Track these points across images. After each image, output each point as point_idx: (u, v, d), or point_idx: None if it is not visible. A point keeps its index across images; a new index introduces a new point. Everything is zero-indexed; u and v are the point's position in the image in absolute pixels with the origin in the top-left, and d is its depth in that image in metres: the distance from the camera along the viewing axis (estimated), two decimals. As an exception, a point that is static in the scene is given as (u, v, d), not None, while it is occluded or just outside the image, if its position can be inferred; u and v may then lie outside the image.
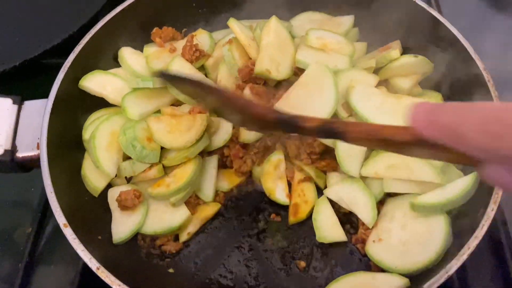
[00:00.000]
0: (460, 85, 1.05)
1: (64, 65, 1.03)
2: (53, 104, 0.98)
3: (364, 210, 0.96)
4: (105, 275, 0.79)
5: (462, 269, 0.80)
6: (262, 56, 1.05)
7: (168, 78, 0.75)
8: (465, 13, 1.43)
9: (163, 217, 0.98)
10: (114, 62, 1.16)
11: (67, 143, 1.01)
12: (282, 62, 1.08)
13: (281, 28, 1.12)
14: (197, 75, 1.11)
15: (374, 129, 0.57)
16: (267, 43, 1.07)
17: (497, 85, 0.97)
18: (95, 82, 1.08)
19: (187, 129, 0.98)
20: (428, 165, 0.94)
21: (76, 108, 1.06)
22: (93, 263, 0.80)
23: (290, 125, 0.65)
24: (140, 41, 1.22)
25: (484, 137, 0.43)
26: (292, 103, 0.98)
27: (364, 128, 0.59)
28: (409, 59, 1.08)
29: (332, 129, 0.60)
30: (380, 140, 0.55)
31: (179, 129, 0.98)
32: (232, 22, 1.12)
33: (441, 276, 0.77)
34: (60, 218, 0.85)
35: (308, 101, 0.98)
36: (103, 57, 1.14)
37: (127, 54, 1.15)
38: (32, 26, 1.32)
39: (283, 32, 1.12)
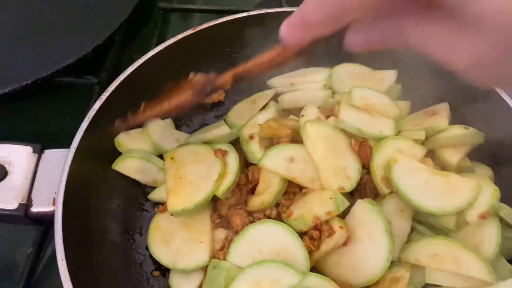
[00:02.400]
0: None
1: (89, 114, 0.99)
2: (74, 156, 0.93)
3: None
4: None
5: None
6: (324, 176, 0.91)
7: None
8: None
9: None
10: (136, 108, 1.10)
11: (86, 199, 0.95)
12: (347, 164, 0.95)
13: (322, 127, 0.98)
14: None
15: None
16: (318, 157, 0.93)
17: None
18: (126, 167, 1.05)
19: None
20: (479, 259, 0.83)
21: (99, 160, 1.00)
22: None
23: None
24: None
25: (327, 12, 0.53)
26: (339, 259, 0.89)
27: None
28: (459, 130, 0.99)
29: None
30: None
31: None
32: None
33: None
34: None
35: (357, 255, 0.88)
36: (131, 105, 1.08)
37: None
38: (46, 44, 1.31)
39: (325, 130, 0.98)
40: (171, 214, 0.91)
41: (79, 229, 0.89)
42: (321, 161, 0.92)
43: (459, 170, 0.98)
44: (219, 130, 1.10)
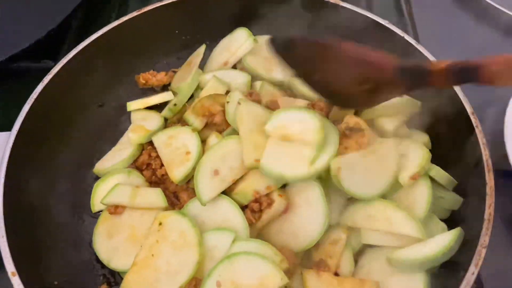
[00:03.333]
0: (448, 126, 0.99)
1: (30, 97, 0.99)
2: (16, 138, 0.93)
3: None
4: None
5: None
6: (245, 148, 0.93)
7: (279, 46, 0.80)
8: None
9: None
10: (83, 94, 1.12)
11: (29, 181, 0.95)
12: None
13: (253, 107, 1.00)
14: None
15: None
16: (243, 131, 0.96)
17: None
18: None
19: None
20: (409, 217, 0.87)
21: (43, 142, 1.01)
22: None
23: (415, 72, 0.64)
24: (115, 71, 1.18)
25: None
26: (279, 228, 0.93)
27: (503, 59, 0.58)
28: (395, 100, 1.02)
29: (466, 66, 0.58)
30: None
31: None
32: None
33: None
34: (9, 265, 0.79)
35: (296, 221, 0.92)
36: (74, 88, 1.09)
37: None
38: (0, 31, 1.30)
39: (256, 110, 1.00)
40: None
41: (21, 209, 0.90)
42: (245, 135, 0.95)
43: (397, 136, 1.01)
44: (163, 95, 1.17)
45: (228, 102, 1.02)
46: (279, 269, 0.81)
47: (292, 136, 0.91)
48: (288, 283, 0.82)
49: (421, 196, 0.91)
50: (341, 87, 0.84)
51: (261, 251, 0.84)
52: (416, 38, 1.36)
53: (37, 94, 1.00)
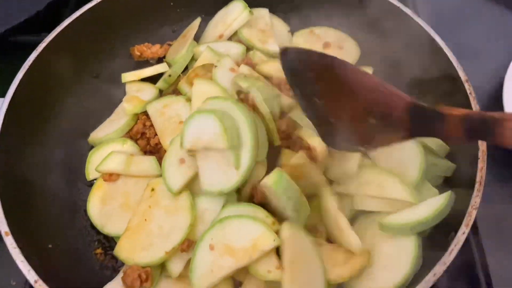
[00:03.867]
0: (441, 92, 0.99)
1: (24, 65, 0.99)
2: (9, 105, 0.93)
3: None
4: (42, 289, 0.74)
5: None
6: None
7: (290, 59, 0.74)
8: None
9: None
10: (77, 64, 1.12)
11: (23, 148, 0.96)
12: None
13: (207, 85, 0.98)
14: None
15: None
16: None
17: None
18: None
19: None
20: (401, 182, 0.87)
21: (36, 112, 1.01)
22: (31, 276, 0.75)
23: (428, 113, 0.58)
24: (110, 43, 1.18)
25: None
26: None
27: None
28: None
29: (485, 120, 0.51)
30: None
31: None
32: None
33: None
34: (2, 225, 0.80)
35: None
36: (68, 58, 1.08)
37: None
38: None
39: (211, 88, 0.98)
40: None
41: (15, 176, 0.91)
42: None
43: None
44: (157, 67, 1.17)
45: (216, 66, 1.02)
46: (271, 230, 0.81)
47: (208, 146, 0.85)
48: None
49: (413, 162, 0.91)
50: (345, 115, 0.75)
51: (252, 214, 0.84)
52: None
53: (30, 62, 1.00)
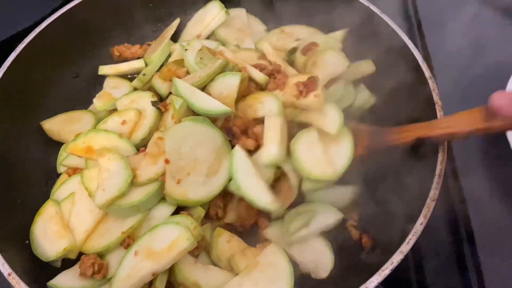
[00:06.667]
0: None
1: (4, 64, 1.02)
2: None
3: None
4: (15, 281, 0.77)
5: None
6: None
7: None
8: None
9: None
10: (57, 64, 1.15)
11: (2, 146, 0.99)
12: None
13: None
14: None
15: None
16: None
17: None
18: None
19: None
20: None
21: (16, 110, 1.04)
22: (5, 269, 0.78)
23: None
24: (91, 43, 1.21)
25: None
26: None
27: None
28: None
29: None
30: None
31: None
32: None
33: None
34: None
35: None
36: (48, 58, 1.11)
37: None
38: (5, 9, 1.33)
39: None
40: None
41: None
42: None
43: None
44: (134, 62, 1.22)
45: (186, 50, 1.05)
46: (188, 232, 0.83)
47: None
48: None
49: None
50: None
51: (178, 220, 0.86)
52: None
53: (9, 62, 1.03)
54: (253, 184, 0.87)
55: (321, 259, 0.90)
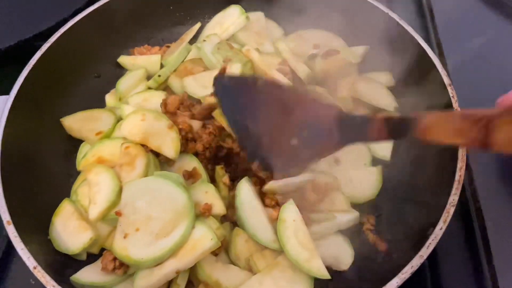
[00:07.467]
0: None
1: (29, 62, 1.04)
2: (14, 101, 0.98)
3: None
4: (41, 274, 0.78)
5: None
6: None
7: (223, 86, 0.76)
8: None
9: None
10: (80, 64, 1.17)
11: (25, 142, 1.00)
12: None
13: None
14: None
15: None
16: None
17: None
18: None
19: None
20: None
21: (39, 109, 1.06)
22: (31, 262, 0.80)
23: (355, 120, 0.66)
24: (112, 44, 1.23)
25: None
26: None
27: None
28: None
29: (403, 119, 0.61)
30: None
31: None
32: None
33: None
34: (4, 214, 0.84)
35: None
36: (71, 58, 1.14)
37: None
38: (27, 9, 1.37)
39: None
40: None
41: (18, 170, 0.95)
42: None
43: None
44: (150, 57, 1.24)
45: (204, 40, 1.06)
46: (212, 232, 0.84)
47: None
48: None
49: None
50: (280, 134, 0.77)
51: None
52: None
53: (35, 61, 1.05)
54: (255, 220, 0.89)
55: (341, 253, 0.92)
